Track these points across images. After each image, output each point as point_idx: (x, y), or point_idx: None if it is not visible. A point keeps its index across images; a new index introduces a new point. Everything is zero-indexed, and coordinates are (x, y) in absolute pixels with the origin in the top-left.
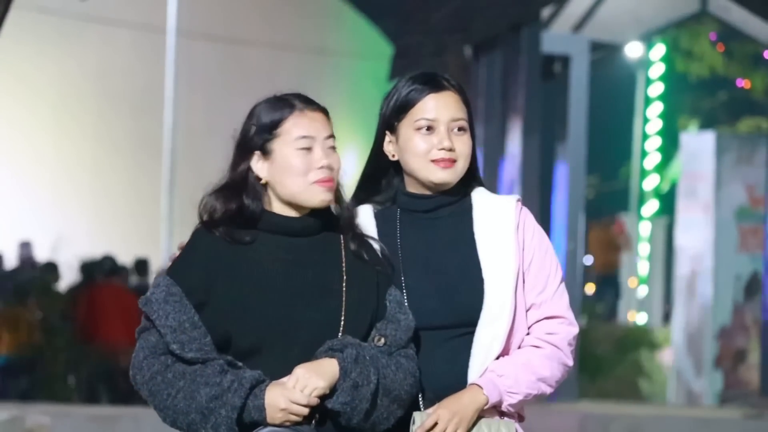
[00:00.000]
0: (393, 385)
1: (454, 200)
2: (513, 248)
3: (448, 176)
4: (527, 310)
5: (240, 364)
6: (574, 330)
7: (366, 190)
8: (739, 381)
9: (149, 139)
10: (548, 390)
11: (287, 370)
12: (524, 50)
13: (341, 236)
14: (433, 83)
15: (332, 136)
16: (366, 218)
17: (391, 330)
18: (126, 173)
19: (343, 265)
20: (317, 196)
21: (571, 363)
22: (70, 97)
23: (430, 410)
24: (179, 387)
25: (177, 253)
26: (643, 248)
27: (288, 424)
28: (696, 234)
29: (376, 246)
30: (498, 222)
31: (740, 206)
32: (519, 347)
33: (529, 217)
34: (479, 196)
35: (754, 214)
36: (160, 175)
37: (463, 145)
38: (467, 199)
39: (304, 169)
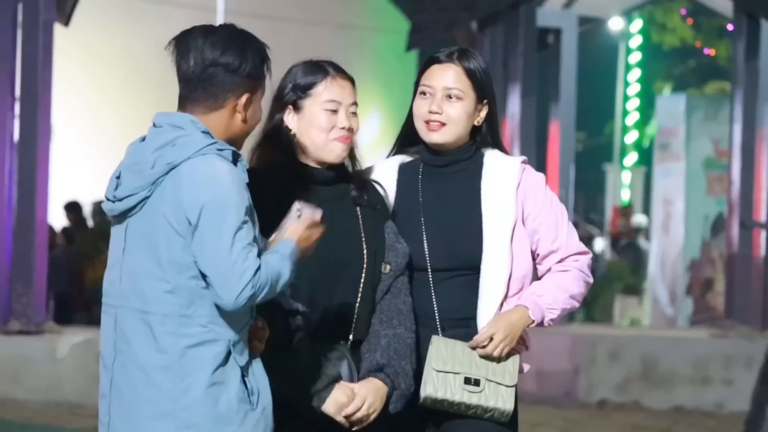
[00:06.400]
0: (413, 338)
1: (466, 157)
2: (511, 205)
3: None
4: (546, 256)
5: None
6: (589, 256)
7: (402, 144)
8: (706, 306)
9: None
10: (576, 305)
11: (319, 303)
12: (522, 24)
13: (352, 186)
14: (438, 58)
15: (355, 103)
16: (390, 168)
17: (392, 257)
18: None
19: (358, 210)
20: (335, 152)
21: (591, 281)
22: (133, 70)
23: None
24: None
25: None
26: (625, 194)
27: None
28: (670, 181)
29: (379, 189)
30: (502, 181)
31: (707, 157)
32: (522, 287)
33: (531, 176)
34: (491, 156)
35: (720, 164)
36: None
37: (452, 110)
38: (480, 158)
39: (327, 126)
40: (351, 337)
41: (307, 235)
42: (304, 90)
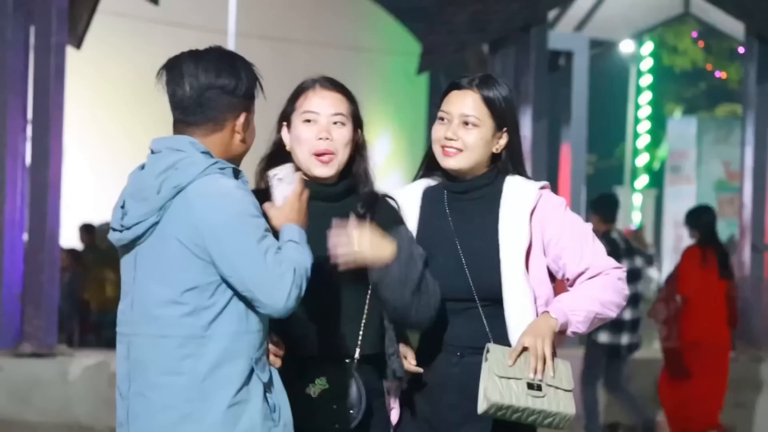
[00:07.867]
0: (431, 286)
1: (485, 184)
2: (525, 230)
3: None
4: (575, 279)
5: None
6: (620, 270)
7: (427, 167)
8: None
9: None
10: (610, 313)
11: (325, 320)
12: (533, 47)
13: (360, 203)
14: (459, 84)
15: (340, 113)
16: (414, 193)
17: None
18: None
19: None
20: (316, 167)
21: (626, 292)
22: (144, 92)
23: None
24: None
25: None
26: (636, 216)
27: None
28: (681, 203)
29: (392, 204)
30: (518, 207)
31: (718, 180)
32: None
33: (549, 201)
34: (510, 182)
35: (731, 186)
36: None
37: (468, 137)
38: (500, 184)
39: (305, 138)
40: (357, 354)
41: (297, 207)
42: (291, 104)
